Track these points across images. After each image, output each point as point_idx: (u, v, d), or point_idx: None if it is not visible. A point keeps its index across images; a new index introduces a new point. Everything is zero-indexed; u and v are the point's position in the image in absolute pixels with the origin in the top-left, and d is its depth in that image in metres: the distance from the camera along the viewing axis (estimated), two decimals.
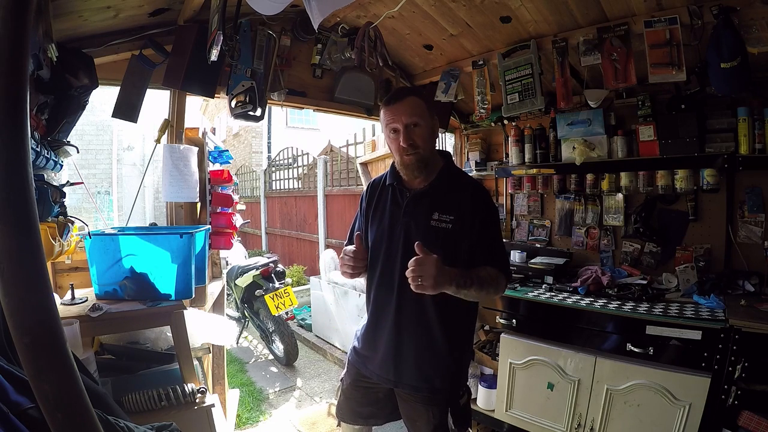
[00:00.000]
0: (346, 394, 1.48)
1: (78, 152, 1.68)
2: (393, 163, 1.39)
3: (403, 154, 1.28)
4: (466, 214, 1.27)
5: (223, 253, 2.60)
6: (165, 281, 1.55)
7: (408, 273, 1.09)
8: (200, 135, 2.02)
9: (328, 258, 3.73)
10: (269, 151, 10.29)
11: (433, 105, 1.40)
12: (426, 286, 1.08)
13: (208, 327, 1.74)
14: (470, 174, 2.79)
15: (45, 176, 1.45)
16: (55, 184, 1.48)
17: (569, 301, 1.87)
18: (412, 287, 1.09)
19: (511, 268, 1.41)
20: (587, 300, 1.87)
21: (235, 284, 3.55)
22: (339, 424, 1.55)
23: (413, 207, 1.31)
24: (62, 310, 1.42)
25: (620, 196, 2.24)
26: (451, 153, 3.08)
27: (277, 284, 3.40)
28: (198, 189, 1.88)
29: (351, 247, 1.34)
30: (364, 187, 1.54)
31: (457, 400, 1.34)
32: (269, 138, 10.59)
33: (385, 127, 1.31)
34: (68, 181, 1.62)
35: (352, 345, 1.48)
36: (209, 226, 1.92)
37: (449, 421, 1.30)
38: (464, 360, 1.40)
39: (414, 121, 1.26)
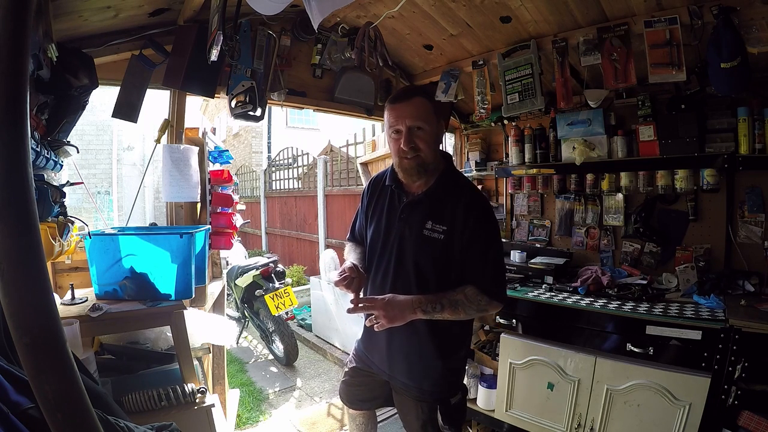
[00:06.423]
0: (346, 380, 1.55)
1: (78, 152, 1.68)
2: (393, 164, 1.38)
3: (402, 157, 1.25)
4: (457, 226, 1.24)
5: (223, 253, 2.60)
6: (165, 281, 1.55)
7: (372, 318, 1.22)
8: (200, 135, 2.01)
9: (328, 258, 3.72)
10: (269, 151, 10.29)
11: (439, 108, 1.39)
12: (384, 324, 1.18)
13: (208, 327, 1.74)
14: (470, 174, 2.79)
15: (45, 176, 1.44)
16: (55, 184, 1.48)
17: (569, 301, 1.87)
18: (375, 328, 1.21)
19: (504, 287, 1.30)
20: (587, 300, 1.87)
21: (235, 284, 3.55)
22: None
23: (408, 214, 1.30)
24: (62, 310, 1.42)
25: (620, 196, 2.24)
26: (451, 153, 3.10)
27: (277, 284, 3.40)
28: (198, 189, 1.87)
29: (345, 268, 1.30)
30: (366, 184, 1.53)
31: (448, 398, 1.34)
32: (269, 138, 10.59)
33: (388, 128, 1.28)
34: (68, 181, 1.62)
35: (359, 337, 1.55)
36: (209, 226, 1.92)
37: (438, 418, 1.30)
38: (455, 365, 1.38)
39: (418, 124, 1.22)
